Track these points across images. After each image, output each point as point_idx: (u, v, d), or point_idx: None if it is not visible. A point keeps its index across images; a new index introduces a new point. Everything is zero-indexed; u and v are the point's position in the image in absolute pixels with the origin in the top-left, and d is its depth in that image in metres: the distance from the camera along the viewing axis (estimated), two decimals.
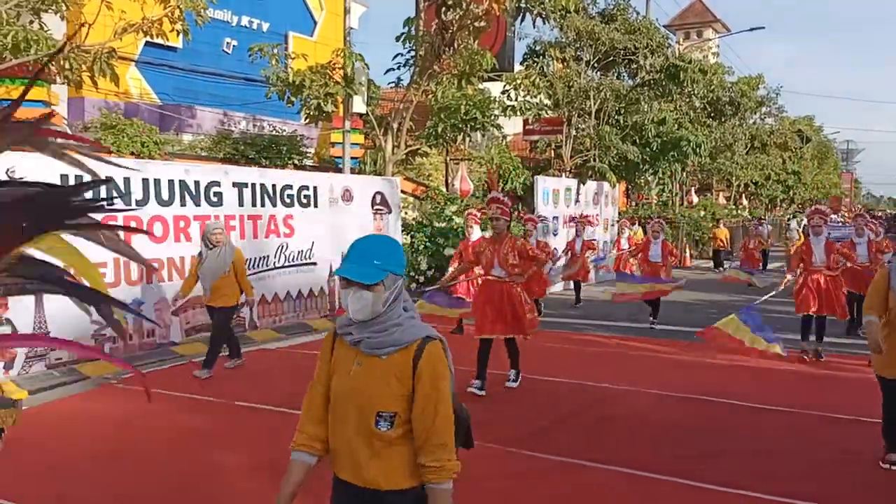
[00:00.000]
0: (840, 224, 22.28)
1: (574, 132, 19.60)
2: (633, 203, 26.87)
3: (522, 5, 15.48)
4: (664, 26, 28.49)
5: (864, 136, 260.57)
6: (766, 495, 4.47)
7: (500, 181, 19.88)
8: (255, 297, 9.95)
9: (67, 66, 9.72)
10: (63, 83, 10.77)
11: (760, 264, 19.09)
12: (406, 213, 15.89)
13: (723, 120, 27.29)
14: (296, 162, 16.44)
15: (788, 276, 9.48)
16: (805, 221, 15.57)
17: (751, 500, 4.43)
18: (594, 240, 15.82)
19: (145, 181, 8.54)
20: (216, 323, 7.77)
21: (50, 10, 9.84)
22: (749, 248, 18.52)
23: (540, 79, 16.30)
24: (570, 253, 13.93)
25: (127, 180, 8.36)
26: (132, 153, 13.18)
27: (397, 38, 13.51)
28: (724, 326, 7.74)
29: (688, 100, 21.69)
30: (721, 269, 20.74)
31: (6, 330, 6.77)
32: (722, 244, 22.52)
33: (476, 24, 12.79)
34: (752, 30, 25.19)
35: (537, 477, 4.79)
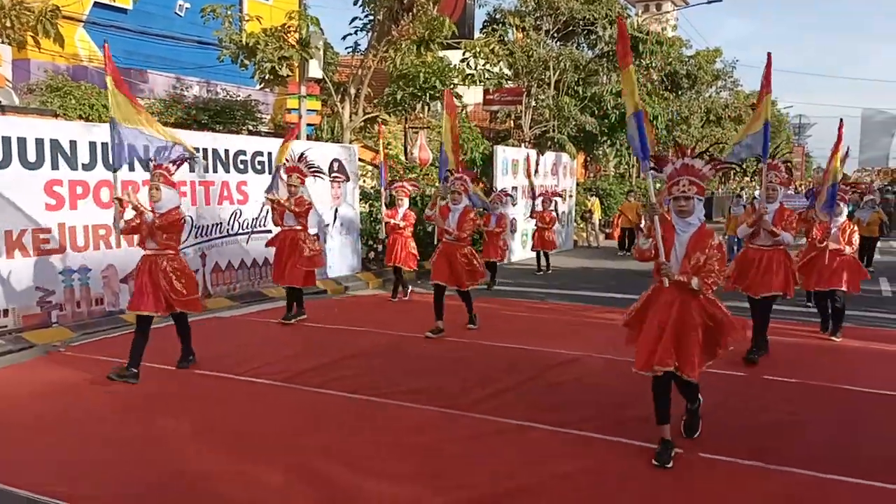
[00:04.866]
0: (793, 194, 22.56)
1: (533, 103, 19.61)
2: (592, 175, 27.05)
3: None
4: None
5: (816, 111, 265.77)
6: (705, 454, 4.62)
7: (461, 151, 19.80)
8: (209, 265, 9.84)
9: (9, 23, 9.35)
10: (5, 43, 10.35)
11: None
12: (364, 181, 15.75)
13: (679, 93, 27.55)
14: (250, 128, 16.13)
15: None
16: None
17: (687, 459, 4.56)
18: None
19: (92, 144, 8.31)
20: None
21: None
22: None
23: (500, 47, 16.19)
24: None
25: (73, 143, 8.13)
26: (80, 116, 12.76)
27: (354, 2, 13.27)
28: None
29: (645, 72, 21.82)
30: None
31: None
32: (631, 222, 18.27)
33: None
34: (709, 2, 25.26)
35: (490, 439, 4.88)
